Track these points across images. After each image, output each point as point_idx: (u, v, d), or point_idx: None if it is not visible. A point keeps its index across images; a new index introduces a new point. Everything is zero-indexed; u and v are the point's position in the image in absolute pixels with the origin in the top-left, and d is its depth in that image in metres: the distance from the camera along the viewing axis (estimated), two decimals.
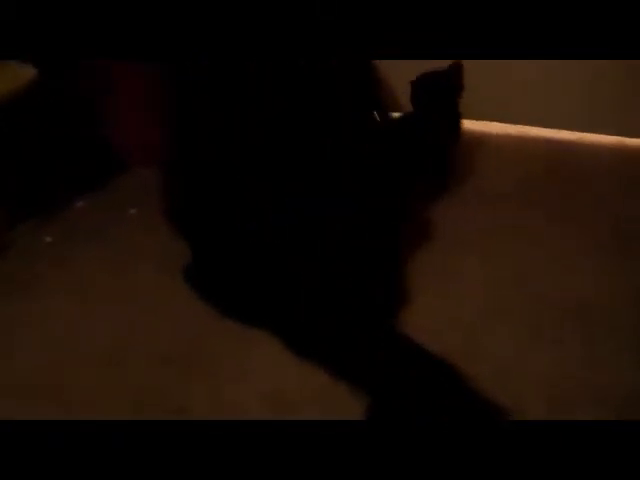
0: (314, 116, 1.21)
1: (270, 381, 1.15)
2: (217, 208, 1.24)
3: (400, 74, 1.53)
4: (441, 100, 1.50)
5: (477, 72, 1.50)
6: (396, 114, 1.57)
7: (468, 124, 1.57)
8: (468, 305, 1.28)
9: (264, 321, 1.22)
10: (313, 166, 1.20)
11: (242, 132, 1.20)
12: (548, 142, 1.73)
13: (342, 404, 1.07)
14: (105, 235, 1.48)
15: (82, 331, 1.27)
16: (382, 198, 1.31)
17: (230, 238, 1.24)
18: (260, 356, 1.19)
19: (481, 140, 1.71)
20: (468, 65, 1.50)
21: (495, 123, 1.77)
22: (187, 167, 1.27)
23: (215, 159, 1.22)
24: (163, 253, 1.38)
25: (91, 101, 1.58)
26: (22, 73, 1.44)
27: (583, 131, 1.73)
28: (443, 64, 1.49)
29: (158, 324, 1.27)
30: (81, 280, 1.38)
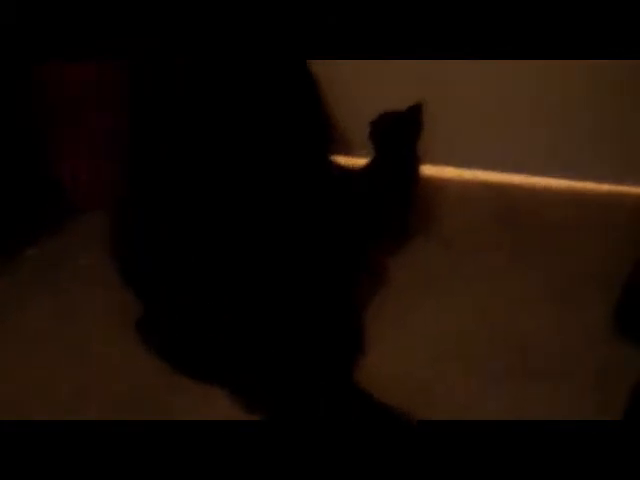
0: (264, 159, 1.20)
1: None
2: (167, 262, 1.22)
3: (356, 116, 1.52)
4: (400, 141, 1.50)
5: (430, 116, 1.51)
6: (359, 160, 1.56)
7: (422, 169, 1.56)
8: (423, 352, 1.27)
9: (216, 377, 1.19)
10: (265, 215, 1.19)
11: (192, 179, 1.19)
12: (503, 186, 1.74)
13: None
14: (54, 286, 1.45)
15: (28, 386, 1.23)
16: (339, 246, 1.30)
17: (181, 291, 1.22)
18: (212, 412, 1.15)
19: (436, 184, 1.71)
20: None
21: (449, 168, 1.78)
22: (136, 216, 1.25)
23: (164, 207, 1.21)
24: (113, 305, 1.35)
25: (40, 143, 1.56)
26: None
27: (539, 175, 1.74)
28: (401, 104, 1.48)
29: (108, 377, 1.24)
30: (27, 331, 1.35)
